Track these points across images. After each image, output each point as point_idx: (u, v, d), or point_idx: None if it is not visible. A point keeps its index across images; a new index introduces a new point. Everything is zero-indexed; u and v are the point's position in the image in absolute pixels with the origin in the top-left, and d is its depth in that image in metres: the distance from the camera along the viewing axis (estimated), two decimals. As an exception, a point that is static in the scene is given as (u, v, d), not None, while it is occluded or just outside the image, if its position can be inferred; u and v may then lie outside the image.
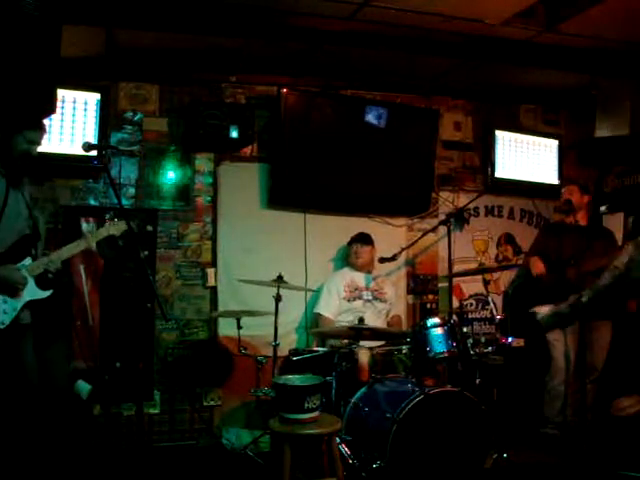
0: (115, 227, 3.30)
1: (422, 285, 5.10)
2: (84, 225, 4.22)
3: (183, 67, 4.47)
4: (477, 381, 3.75)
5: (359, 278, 4.53)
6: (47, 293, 3.05)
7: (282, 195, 4.59)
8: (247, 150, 4.63)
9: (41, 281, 3.03)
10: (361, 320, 3.74)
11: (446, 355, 3.65)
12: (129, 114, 4.43)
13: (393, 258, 4.66)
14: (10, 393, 2.94)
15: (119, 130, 4.39)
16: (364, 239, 4.56)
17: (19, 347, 3.00)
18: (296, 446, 3.04)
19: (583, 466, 2.43)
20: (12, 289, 2.89)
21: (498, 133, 5.12)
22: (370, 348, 3.92)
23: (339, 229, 4.77)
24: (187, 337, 4.48)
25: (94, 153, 3.95)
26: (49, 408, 3.57)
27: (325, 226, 4.77)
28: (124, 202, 4.25)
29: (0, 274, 2.84)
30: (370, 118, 4.68)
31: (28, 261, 2.98)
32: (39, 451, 3.20)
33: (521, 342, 4.56)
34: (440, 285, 5.12)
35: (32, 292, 2.98)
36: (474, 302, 5.20)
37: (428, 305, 5.12)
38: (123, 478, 3.62)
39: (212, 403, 4.50)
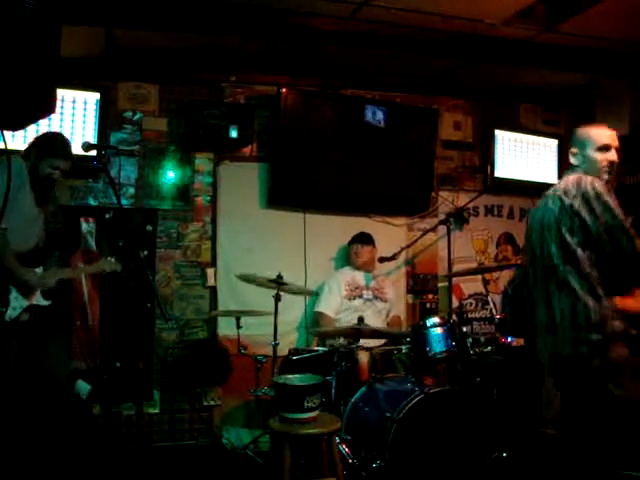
0: (108, 264, 3.58)
1: (422, 285, 5.10)
2: (84, 225, 4.22)
3: (183, 67, 4.47)
4: (477, 380, 3.75)
5: (360, 277, 4.53)
6: (48, 302, 3.26)
7: (282, 195, 4.59)
8: (247, 150, 4.63)
9: (44, 291, 3.24)
10: (361, 319, 3.74)
11: (446, 355, 3.65)
12: (129, 114, 4.43)
13: (393, 258, 4.67)
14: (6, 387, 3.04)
15: (119, 130, 4.40)
16: (364, 239, 4.56)
17: (9, 343, 3.12)
18: (296, 446, 3.04)
19: (583, 466, 2.44)
20: (30, 292, 3.09)
21: (498, 132, 5.12)
22: (370, 348, 3.92)
23: (339, 229, 4.77)
24: (187, 337, 4.49)
25: (94, 153, 3.93)
26: (49, 407, 3.58)
27: (325, 226, 4.77)
28: (124, 202, 4.26)
29: (30, 279, 3.07)
30: (370, 118, 4.68)
31: (40, 270, 3.19)
32: (39, 451, 3.20)
33: (521, 342, 4.56)
34: (440, 285, 5.12)
35: (38, 298, 3.19)
36: (474, 302, 5.21)
37: (428, 305, 5.12)
38: (123, 478, 3.62)
39: (212, 403, 4.50)
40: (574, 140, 2.76)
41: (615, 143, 2.69)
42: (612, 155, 2.66)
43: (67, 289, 4.03)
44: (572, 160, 2.73)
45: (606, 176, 2.65)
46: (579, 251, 2.49)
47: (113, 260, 3.59)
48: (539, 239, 2.66)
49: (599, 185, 2.52)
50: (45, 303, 3.21)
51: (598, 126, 2.75)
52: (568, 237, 2.51)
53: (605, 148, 2.66)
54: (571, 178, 2.59)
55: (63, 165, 3.18)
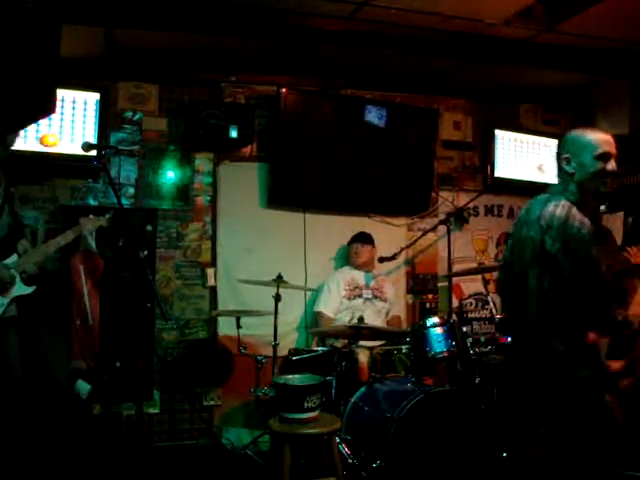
0: (91, 223, 3.48)
1: (422, 284, 5.10)
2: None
3: (183, 67, 4.47)
4: (477, 380, 3.75)
5: (359, 277, 4.53)
6: (31, 289, 3.14)
7: (282, 195, 4.59)
8: (247, 150, 4.63)
9: (25, 277, 3.12)
10: (361, 319, 3.74)
11: (446, 355, 3.65)
12: (129, 114, 4.43)
13: (393, 257, 4.67)
14: None
15: (119, 130, 4.40)
16: (364, 239, 4.56)
17: (3, 340, 3.07)
18: (296, 446, 3.04)
19: (583, 465, 2.44)
20: (2, 287, 2.99)
21: (498, 132, 5.12)
22: (370, 348, 3.92)
23: (339, 229, 4.77)
24: (187, 337, 4.49)
25: (94, 153, 3.95)
26: (49, 407, 3.58)
27: (325, 226, 4.77)
28: (124, 202, 4.24)
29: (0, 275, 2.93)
30: (370, 118, 4.68)
31: (14, 258, 3.07)
32: (38, 450, 3.20)
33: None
34: (440, 284, 5.12)
35: (18, 288, 3.07)
36: (474, 301, 5.20)
37: (428, 305, 5.12)
38: (123, 478, 3.62)
39: (212, 403, 4.50)
40: (568, 144, 2.42)
41: (615, 151, 2.38)
42: (612, 165, 2.36)
43: (58, 275, 3.94)
44: (565, 167, 2.39)
45: (602, 188, 2.38)
46: (551, 294, 2.28)
47: (92, 216, 3.50)
48: (520, 263, 2.44)
49: (585, 221, 2.28)
50: (28, 290, 3.10)
51: (596, 131, 2.43)
52: (539, 280, 2.30)
53: (605, 156, 2.35)
54: (558, 211, 2.30)
55: (12, 140, 3.06)
